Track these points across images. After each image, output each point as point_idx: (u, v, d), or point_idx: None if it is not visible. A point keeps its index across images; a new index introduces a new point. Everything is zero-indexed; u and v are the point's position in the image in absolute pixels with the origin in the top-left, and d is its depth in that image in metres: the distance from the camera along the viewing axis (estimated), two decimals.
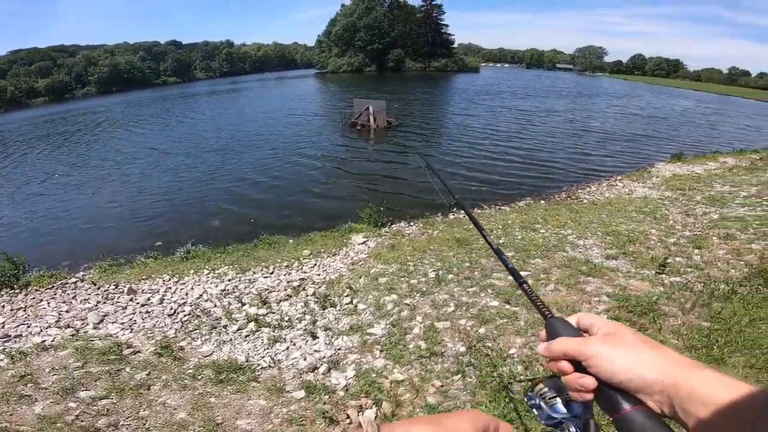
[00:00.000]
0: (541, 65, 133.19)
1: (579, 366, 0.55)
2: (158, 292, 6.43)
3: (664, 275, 5.07)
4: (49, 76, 79.70)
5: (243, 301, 5.87)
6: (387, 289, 5.40)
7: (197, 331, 5.16)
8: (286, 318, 5.23)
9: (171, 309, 5.82)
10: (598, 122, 24.98)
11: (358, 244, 7.33)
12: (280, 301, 5.77)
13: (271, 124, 24.64)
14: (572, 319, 0.63)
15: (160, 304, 6.04)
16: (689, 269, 5.32)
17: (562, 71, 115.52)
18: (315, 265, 6.77)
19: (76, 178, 15.73)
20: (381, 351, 4.16)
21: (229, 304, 5.85)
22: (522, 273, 5.39)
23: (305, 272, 6.60)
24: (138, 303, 6.09)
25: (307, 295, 5.81)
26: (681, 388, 0.47)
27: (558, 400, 0.60)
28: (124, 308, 5.96)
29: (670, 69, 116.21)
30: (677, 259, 5.71)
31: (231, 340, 4.84)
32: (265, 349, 4.57)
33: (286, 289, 6.10)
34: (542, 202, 9.31)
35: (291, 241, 7.84)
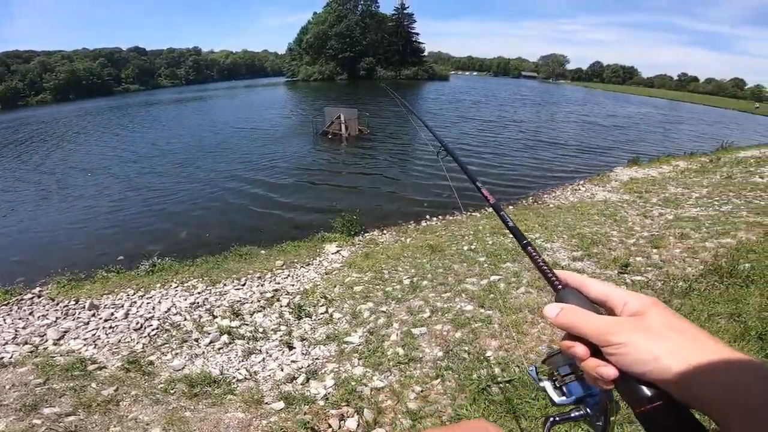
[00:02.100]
0: (507, 73, 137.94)
1: (597, 350, 0.47)
2: (122, 306, 6.27)
3: (626, 275, 5.32)
4: (2, 83, 75.07)
5: (214, 313, 5.74)
6: (362, 298, 5.39)
7: (167, 345, 5.06)
8: (261, 329, 5.15)
9: (137, 323, 5.70)
10: (561, 129, 26.09)
11: (332, 254, 7.29)
12: (254, 312, 5.67)
13: (240, 134, 24.06)
14: (586, 287, 0.54)
15: (125, 318, 5.90)
16: (649, 268, 5.61)
17: (527, 79, 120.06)
18: (288, 275, 6.68)
19: (30, 191, 14.81)
20: (359, 359, 4.15)
21: (200, 317, 5.72)
22: (494, 277, 5.56)
23: (278, 283, 6.50)
24: (101, 318, 5.94)
25: (281, 306, 5.73)
26: (720, 384, 0.40)
27: (573, 377, 0.55)
28: (86, 324, 5.83)
29: (625, 76, 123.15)
30: (638, 258, 6.01)
31: (203, 353, 4.76)
32: (240, 361, 4.52)
33: (259, 301, 6.00)
34: (511, 207, 9.60)
35: (263, 252, 7.70)
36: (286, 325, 5.17)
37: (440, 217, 9.58)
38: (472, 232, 7.66)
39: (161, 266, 7.29)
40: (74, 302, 6.58)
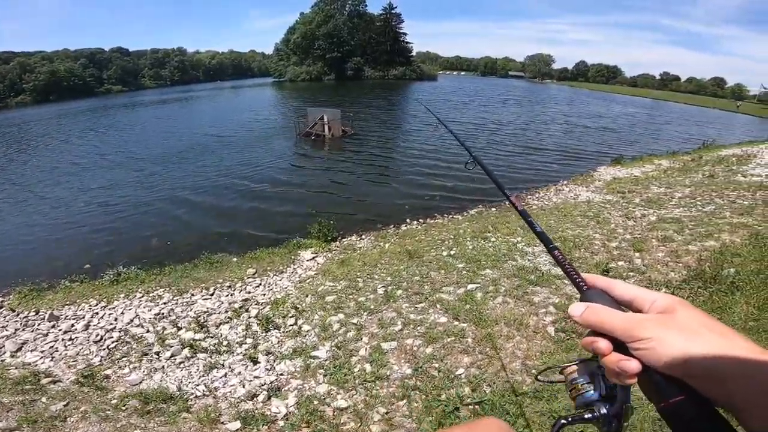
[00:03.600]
0: (494, 73, 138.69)
1: (620, 346, 0.48)
2: (83, 318, 6.02)
3: None
4: None
5: (179, 325, 5.45)
6: (334, 308, 5.13)
7: (125, 358, 4.84)
8: (225, 342, 4.89)
9: (97, 335, 5.48)
10: (546, 129, 26.09)
11: (307, 261, 7.01)
12: (220, 324, 5.37)
13: (219, 135, 23.44)
14: (614, 288, 0.55)
15: (85, 330, 5.67)
16: (631, 273, 5.46)
17: (514, 78, 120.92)
18: (260, 284, 6.38)
19: (4, 194, 14.16)
20: (324, 375, 3.92)
21: (164, 329, 5.44)
22: (471, 285, 5.34)
23: (249, 292, 6.20)
24: (60, 330, 5.72)
25: (249, 317, 5.44)
26: (751, 380, 0.41)
27: (591, 387, 0.56)
28: (45, 335, 5.63)
29: (609, 75, 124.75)
30: (619, 263, 5.85)
31: (163, 367, 4.54)
32: (200, 377, 4.30)
33: (227, 311, 5.70)
34: (494, 209, 9.42)
35: (235, 259, 7.37)
36: (253, 338, 4.90)
37: (421, 220, 9.33)
38: (452, 236, 7.44)
39: (126, 275, 6.93)
40: (34, 313, 6.37)
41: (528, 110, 37.83)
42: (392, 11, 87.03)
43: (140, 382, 4.30)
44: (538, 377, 0.67)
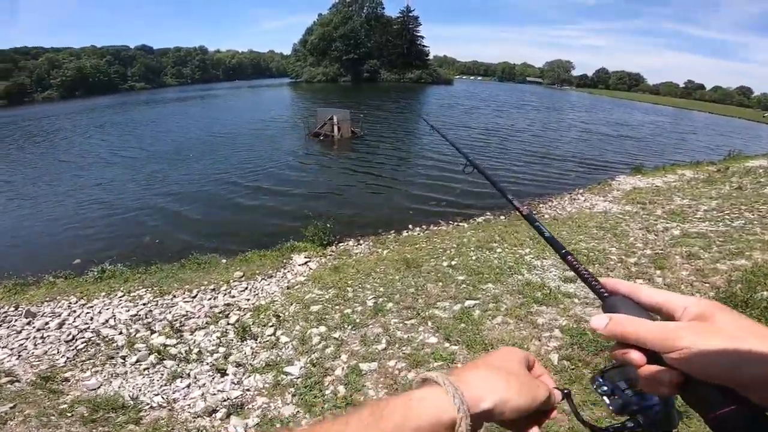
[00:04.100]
0: (512, 78, 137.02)
1: (654, 357, 0.44)
2: (60, 315, 5.78)
3: None
4: (9, 79, 74.96)
5: (153, 328, 5.13)
6: (317, 320, 4.70)
7: (91, 360, 4.58)
8: (196, 350, 4.53)
9: (69, 335, 5.22)
10: (563, 136, 25.22)
11: (299, 265, 6.61)
12: (196, 329, 5.02)
13: (228, 133, 23.36)
14: (640, 294, 0.50)
15: (58, 329, 5.42)
16: None
17: (532, 84, 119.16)
18: (246, 288, 6.00)
19: (5, 188, 14.22)
20: (294, 395, 3.52)
21: (137, 331, 5.12)
22: (469, 302, 4.84)
23: (233, 297, 5.83)
24: (34, 327, 5.50)
25: (228, 324, 5.06)
26: None
27: (630, 392, 0.52)
28: (19, 332, 5.41)
29: (631, 83, 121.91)
30: (638, 281, 5.27)
31: (126, 373, 4.25)
32: (161, 386, 3.98)
33: (206, 316, 5.33)
34: (502, 217, 8.87)
35: (224, 261, 7.02)
36: (226, 347, 4.53)
37: (424, 226, 8.83)
38: (455, 245, 6.93)
39: (111, 273, 6.66)
40: (14, 308, 6.16)
41: (545, 116, 36.91)
42: (409, 14, 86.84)
43: (98, 388, 4.03)
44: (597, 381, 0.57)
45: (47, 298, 6.24)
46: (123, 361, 4.49)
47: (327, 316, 4.75)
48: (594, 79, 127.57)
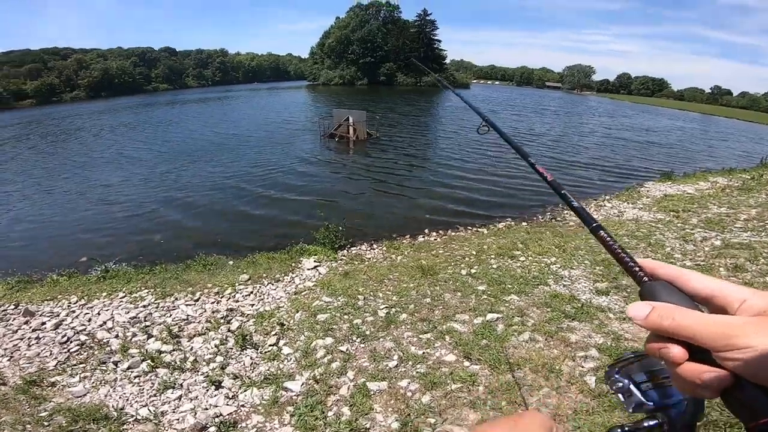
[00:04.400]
0: (530, 83, 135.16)
1: (699, 354, 0.39)
2: (58, 315, 5.53)
3: None
4: (38, 79, 77.52)
5: (150, 332, 4.82)
6: (323, 330, 4.32)
7: (82, 365, 4.30)
8: (192, 358, 4.21)
9: (64, 336, 4.94)
10: (585, 141, 24.36)
11: (308, 270, 6.25)
12: (194, 336, 4.70)
13: (244, 134, 23.30)
14: (687, 280, 0.44)
15: (54, 329, 5.15)
16: None
17: (551, 90, 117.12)
18: (251, 293, 5.67)
19: (20, 185, 14.33)
20: (292, 415, 3.16)
21: (134, 335, 4.83)
22: (491, 315, 4.39)
23: (237, 301, 5.50)
24: (30, 327, 5.23)
25: (228, 330, 4.73)
26: None
27: (650, 385, 0.50)
28: (15, 332, 5.16)
29: (655, 88, 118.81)
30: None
31: (115, 380, 3.97)
32: (150, 396, 3.68)
33: (208, 321, 5.02)
34: (524, 224, 8.35)
35: (231, 262, 6.72)
36: (224, 356, 4.19)
37: (441, 232, 8.35)
38: (474, 252, 6.47)
39: (114, 273, 6.43)
40: (13, 306, 5.95)
41: (565, 121, 35.95)
42: (426, 18, 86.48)
43: (84, 395, 3.77)
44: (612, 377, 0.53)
45: (48, 297, 6.05)
46: (115, 366, 4.21)
47: (334, 327, 4.38)
48: (616, 84, 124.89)
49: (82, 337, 4.93)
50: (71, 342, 4.86)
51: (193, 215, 10.10)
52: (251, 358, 4.10)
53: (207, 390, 3.66)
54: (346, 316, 4.58)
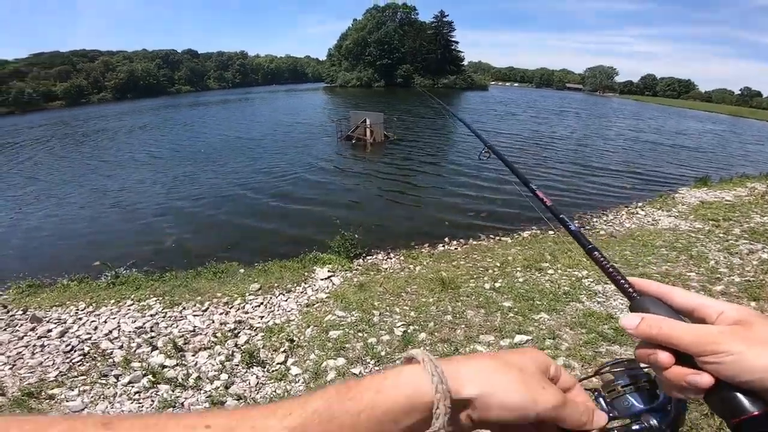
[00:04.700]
0: (550, 85, 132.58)
1: (684, 359, 0.44)
2: (65, 322, 5.39)
3: None
4: (67, 80, 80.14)
5: (155, 344, 4.59)
6: (335, 349, 3.99)
7: (83, 377, 4.09)
8: (196, 375, 3.95)
9: (68, 345, 4.78)
10: (610, 145, 23.36)
11: (321, 280, 5.93)
12: (200, 349, 4.44)
13: (260, 137, 23.18)
14: (672, 296, 0.50)
15: (60, 337, 4.99)
16: None
17: (572, 91, 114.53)
18: (261, 304, 5.39)
19: (39, 186, 14.50)
20: None
21: (138, 346, 4.62)
22: (520, 336, 3.96)
23: (246, 313, 5.23)
24: (36, 334, 5.10)
25: (236, 345, 4.46)
26: None
27: (633, 388, 0.53)
28: (21, 338, 5.04)
29: (681, 90, 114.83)
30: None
31: (114, 395, 3.76)
32: None
33: (215, 334, 4.76)
34: (551, 232, 7.83)
35: (242, 270, 6.46)
36: (229, 374, 3.92)
37: (461, 240, 7.89)
38: (498, 264, 6.04)
39: (124, 279, 6.27)
40: (22, 312, 5.85)
41: (589, 124, 34.83)
42: (444, 19, 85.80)
43: (82, 410, 3.60)
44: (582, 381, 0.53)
45: (57, 303, 5.92)
46: (116, 380, 4.00)
47: (347, 345, 4.04)
48: (640, 85, 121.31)
49: (86, 347, 4.77)
50: (75, 351, 4.71)
51: (205, 220, 9.91)
52: (257, 377, 3.81)
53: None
54: (360, 334, 4.24)
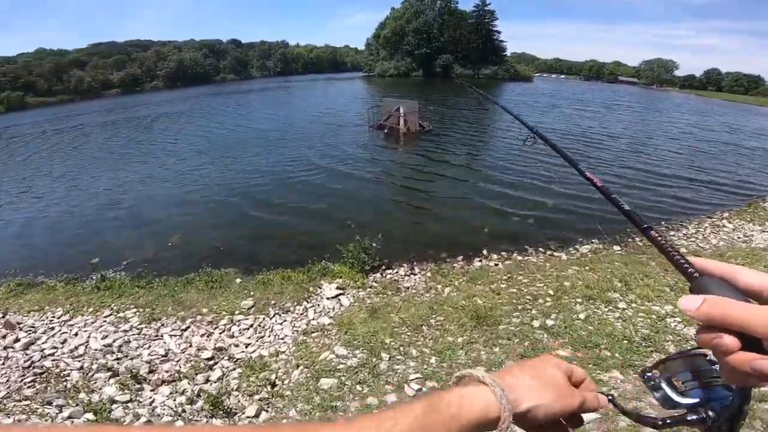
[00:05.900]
0: (600, 77, 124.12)
1: (750, 344, 0.38)
2: (36, 331, 4.80)
3: None
4: (123, 70, 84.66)
5: (117, 370, 3.76)
6: (323, 407, 2.96)
7: (26, 401, 3.47)
8: (146, 418, 3.06)
9: (29, 360, 4.21)
10: (675, 145, 20.51)
11: (327, 299, 4.90)
12: (162, 383, 3.55)
13: (293, 125, 22.33)
14: (736, 275, 0.43)
15: (24, 350, 4.42)
16: None
17: (626, 84, 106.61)
18: (251, 326, 4.45)
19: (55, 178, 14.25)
20: None
21: (99, 368, 3.80)
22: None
23: (232, 336, 4.31)
24: (3, 344, 4.56)
25: (207, 380, 3.54)
26: None
27: (696, 383, 0.49)
28: None
29: (749, 86, 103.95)
30: None
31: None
32: None
33: (188, 362, 3.86)
34: (616, 247, 6.32)
35: (239, 280, 5.54)
36: (185, 421, 2.97)
37: (504, 254, 6.42)
38: (551, 292, 4.72)
39: (110, 283, 5.58)
40: (1, 315, 5.26)
41: (647, 120, 31.41)
42: (485, 8, 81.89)
43: None
44: (645, 375, 0.55)
45: (36, 307, 5.32)
46: (58, 411, 3.23)
47: (338, 404, 2.98)
48: (703, 80, 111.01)
49: (47, 363, 4.09)
50: (33, 367, 4.07)
51: (216, 217, 8.96)
52: None
53: None
54: (359, 387, 3.16)
